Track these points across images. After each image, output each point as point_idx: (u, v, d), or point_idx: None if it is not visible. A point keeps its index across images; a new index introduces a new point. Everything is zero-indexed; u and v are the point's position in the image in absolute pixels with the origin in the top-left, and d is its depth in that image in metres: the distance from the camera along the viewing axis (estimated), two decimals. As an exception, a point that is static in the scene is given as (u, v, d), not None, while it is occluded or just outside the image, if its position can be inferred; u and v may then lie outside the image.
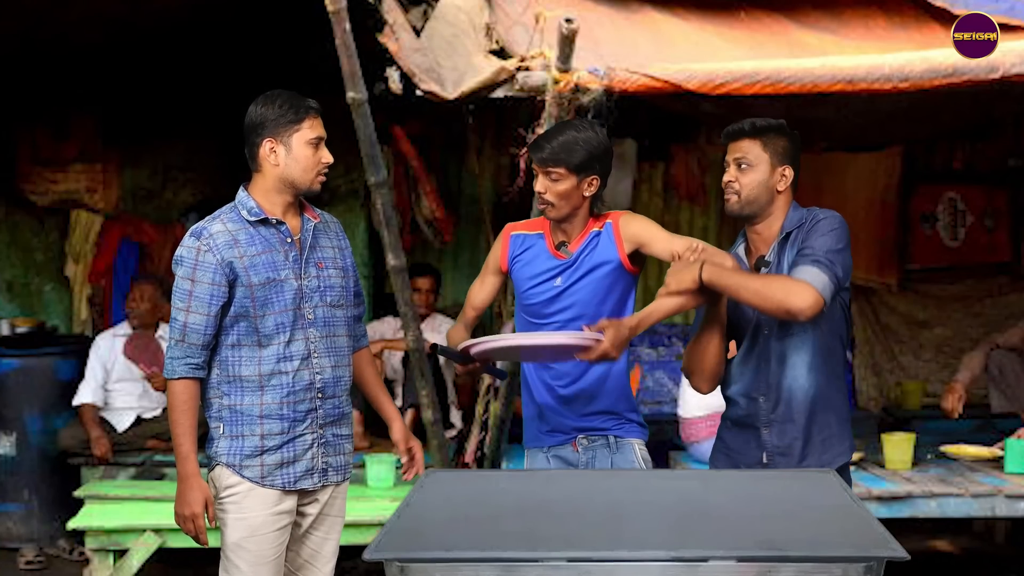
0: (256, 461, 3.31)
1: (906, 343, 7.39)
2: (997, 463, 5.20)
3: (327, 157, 3.34)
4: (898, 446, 5.20)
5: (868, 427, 6.20)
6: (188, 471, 3.32)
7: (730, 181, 3.30)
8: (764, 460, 3.30)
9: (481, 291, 3.69)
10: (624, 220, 3.55)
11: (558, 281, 3.53)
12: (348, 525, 4.92)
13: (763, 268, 3.31)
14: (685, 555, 2.12)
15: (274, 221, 3.32)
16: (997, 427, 5.70)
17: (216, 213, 3.38)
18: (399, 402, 6.08)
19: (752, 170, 3.30)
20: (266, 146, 3.29)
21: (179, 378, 3.28)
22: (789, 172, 3.34)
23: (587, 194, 3.50)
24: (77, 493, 5.40)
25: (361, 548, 2.19)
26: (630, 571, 2.15)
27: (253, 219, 3.30)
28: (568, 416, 3.57)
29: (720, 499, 2.58)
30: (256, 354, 3.30)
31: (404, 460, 3.65)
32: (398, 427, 3.63)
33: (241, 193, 3.35)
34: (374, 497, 5.18)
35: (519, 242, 3.63)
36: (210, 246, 3.29)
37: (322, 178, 3.35)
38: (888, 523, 2.35)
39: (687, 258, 3.26)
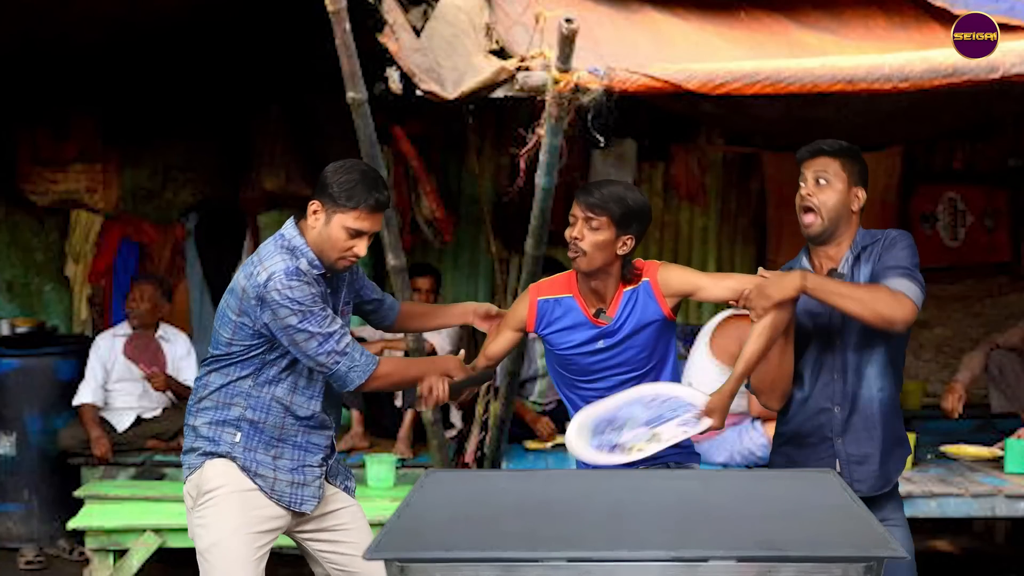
0: (271, 473, 3.35)
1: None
2: (997, 463, 5.20)
3: (360, 250, 3.30)
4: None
5: (868, 427, 6.19)
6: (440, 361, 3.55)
7: (808, 195, 3.32)
8: (838, 470, 3.34)
9: (496, 345, 3.65)
10: (662, 275, 3.52)
11: (600, 343, 3.52)
12: (348, 525, 4.94)
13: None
14: (685, 555, 2.12)
15: (329, 275, 3.35)
16: (997, 427, 5.70)
17: (280, 250, 3.28)
18: (399, 402, 6.08)
19: (830, 187, 3.34)
20: (312, 206, 3.31)
21: (374, 369, 3.30)
22: (862, 194, 3.37)
23: (620, 252, 3.47)
24: (77, 493, 5.40)
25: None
26: (630, 571, 2.15)
27: (316, 272, 3.29)
28: None
29: (720, 499, 2.58)
30: (294, 380, 3.36)
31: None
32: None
33: (299, 240, 3.31)
34: (374, 497, 5.18)
35: (549, 308, 3.58)
36: (308, 281, 3.27)
37: (347, 262, 3.33)
38: (888, 523, 2.35)
39: (765, 276, 3.28)
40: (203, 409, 3.37)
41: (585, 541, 2.25)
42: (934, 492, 4.87)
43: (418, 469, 5.55)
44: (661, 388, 3.42)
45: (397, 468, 5.44)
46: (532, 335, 3.72)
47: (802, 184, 3.35)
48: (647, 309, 3.50)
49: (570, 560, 2.12)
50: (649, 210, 3.55)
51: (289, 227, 3.34)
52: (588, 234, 3.44)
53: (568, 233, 3.48)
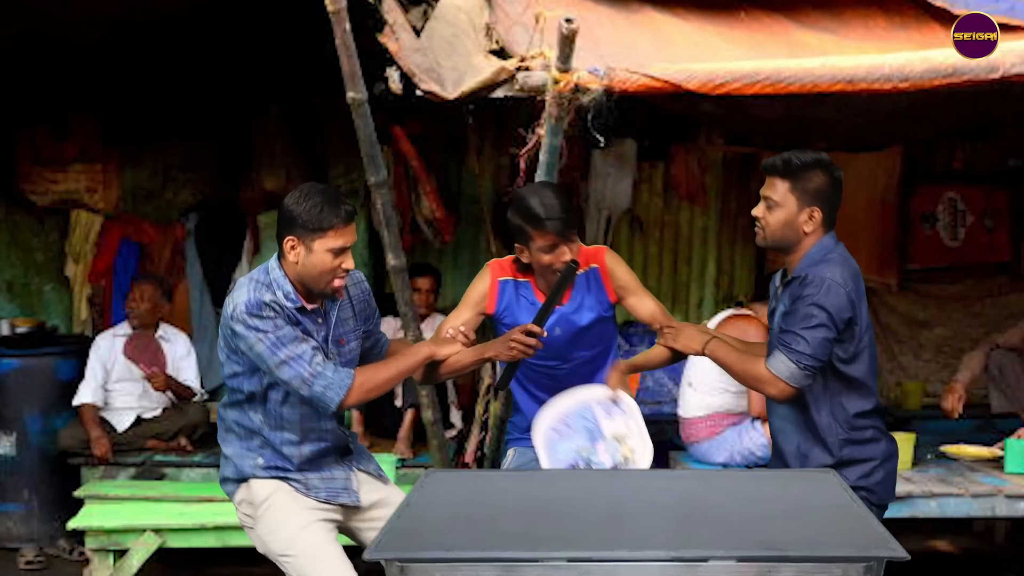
0: (298, 475, 3.44)
1: (906, 343, 7.39)
2: (997, 463, 5.20)
3: (348, 264, 3.33)
4: (898, 446, 5.19)
5: (868, 427, 6.19)
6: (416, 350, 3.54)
7: (757, 217, 3.44)
8: None
9: (458, 323, 3.65)
10: (609, 261, 3.68)
11: (557, 331, 3.61)
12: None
13: (773, 301, 3.50)
14: (685, 555, 2.12)
15: (309, 309, 3.36)
16: (997, 427, 5.70)
17: (252, 283, 3.33)
18: (399, 402, 6.08)
19: (778, 210, 3.39)
20: (288, 243, 3.31)
21: (350, 382, 3.33)
22: (817, 215, 3.39)
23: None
24: (77, 493, 5.40)
25: (361, 548, 2.20)
26: (630, 571, 2.15)
27: (291, 305, 3.32)
28: None
29: (720, 499, 2.58)
30: (298, 411, 3.41)
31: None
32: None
33: (277, 272, 3.34)
34: (374, 497, 5.17)
35: (509, 290, 3.67)
36: (274, 312, 3.30)
37: (339, 282, 3.34)
38: (888, 523, 2.35)
39: (676, 328, 3.58)
40: (228, 441, 3.50)
41: (585, 541, 2.25)
42: (934, 492, 4.87)
43: (418, 469, 5.55)
44: (561, 406, 3.56)
45: (397, 468, 5.44)
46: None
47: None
48: (599, 294, 3.63)
49: (570, 560, 2.12)
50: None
51: (272, 261, 3.39)
52: (574, 247, 3.55)
53: (558, 258, 3.54)
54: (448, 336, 3.54)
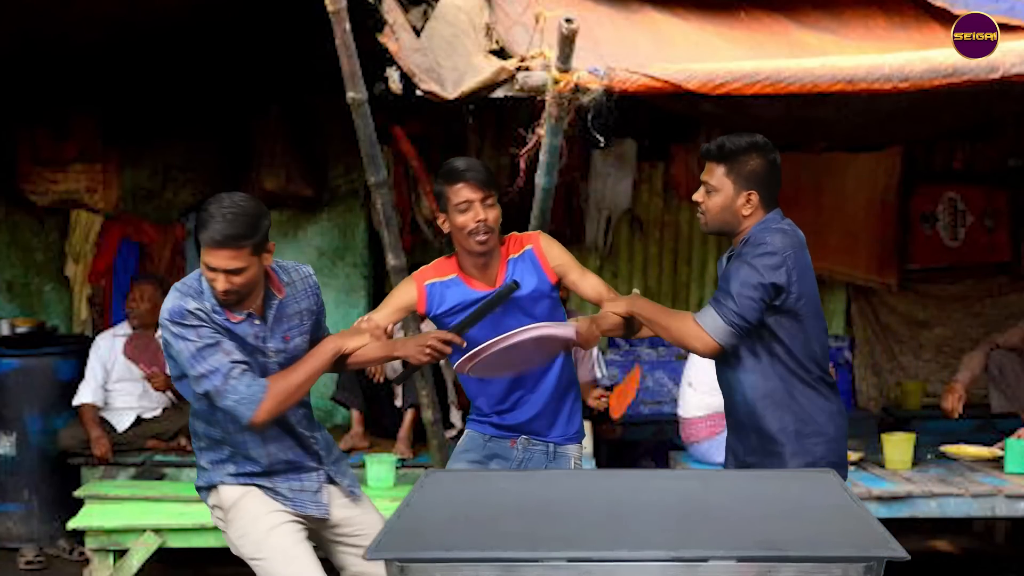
0: (267, 480, 3.43)
1: (906, 343, 7.39)
2: (997, 463, 5.20)
3: (217, 285, 3.23)
4: (898, 446, 5.20)
5: (868, 427, 6.21)
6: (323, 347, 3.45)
7: (698, 202, 3.45)
8: None
9: (378, 315, 3.62)
10: (544, 243, 3.63)
11: (496, 310, 3.54)
12: (348, 525, 4.93)
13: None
14: (685, 555, 2.12)
15: (238, 320, 3.31)
16: (997, 427, 5.70)
17: (183, 287, 3.30)
18: (399, 402, 6.08)
19: (716, 194, 3.40)
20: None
21: (263, 394, 3.28)
22: (755, 198, 3.38)
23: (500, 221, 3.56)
24: (77, 493, 5.40)
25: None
26: (630, 571, 2.15)
27: (219, 317, 3.28)
28: (520, 414, 3.66)
29: (720, 499, 2.58)
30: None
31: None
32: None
33: (205, 284, 3.30)
34: (374, 497, 5.16)
35: (437, 291, 3.61)
36: (199, 320, 3.27)
37: (223, 297, 3.26)
38: (888, 523, 2.35)
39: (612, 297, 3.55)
40: (201, 449, 3.49)
41: (585, 541, 2.25)
42: (934, 492, 4.87)
43: (418, 469, 5.55)
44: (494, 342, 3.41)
45: (397, 468, 5.44)
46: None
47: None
48: (537, 275, 3.58)
49: (570, 560, 2.12)
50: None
51: (204, 279, 3.34)
52: (491, 212, 3.50)
53: (472, 219, 3.49)
54: (362, 327, 3.50)
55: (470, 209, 3.49)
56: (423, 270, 3.71)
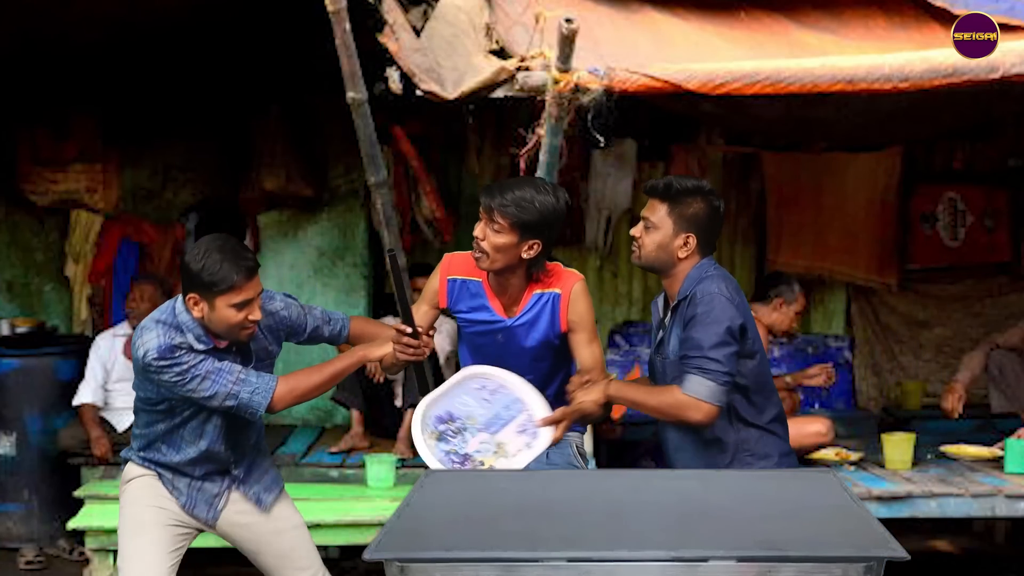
0: (169, 473, 3.53)
1: (906, 343, 7.38)
2: (997, 463, 5.20)
3: (255, 315, 3.31)
4: (898, 446, 5.20)
5: (868, 427, 6.20)
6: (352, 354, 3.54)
7: (635, 237, 3.45)
8: None
9: (417, 318, 3.56)
10: (575, 293, 3.50)
11: (499, 337, 3.54)
12: (348, 525, 4.95)
13: (660, 331, 3.48)
14: (685, 555, 2.12)
15: (222, 348, 3.38)
16: (997, 427, 5.70)
17: (160, 325, 3.33)
18: (399, 402, 6.08)
19: (655, 232, 3.40)
20: (190, 300, 3.31)
21: (275, 386, 3.37)
22: (692, 241, 3.39)
23: (525, 256, 3.42)
24: (77, 493, 5.40)
25: (361, 548, 2.19)
26: (630, 571, 2.15)
27: (202, 347, 3.33)
28: None
29: (720, 499, 2.58)
30: (199, 436, 3.49)
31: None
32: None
33: (185, 316, 3.34)
34: (374, 497, 5.18)
35: (456, 288, 3.57)
36: (184, 353, 3.33)
37: (249, 331, 3.33)
38: (888, 523, 2.35)
39: (589, 378, 3.43)
40: (135, 436, 3.59)
41: (585, 541, 2.25)
42: (934, 492, 4.87)
43: (418, 469, 5.54)
44: (489, 373, 3.44)
45: (397, 468, 5.44)
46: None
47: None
48: (551, 320, 3.49)
49: (570, 560, 2.12)
50: (562, 214, 3.46)
51: (179, 304, 3.37)
52: (490, 235, 3.39)
53: (474, 230, 3.45)
54: (387, 336, 3.53)
55: (479, 223, 3.45)
56: (453, 259, 3.62)
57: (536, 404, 3.41)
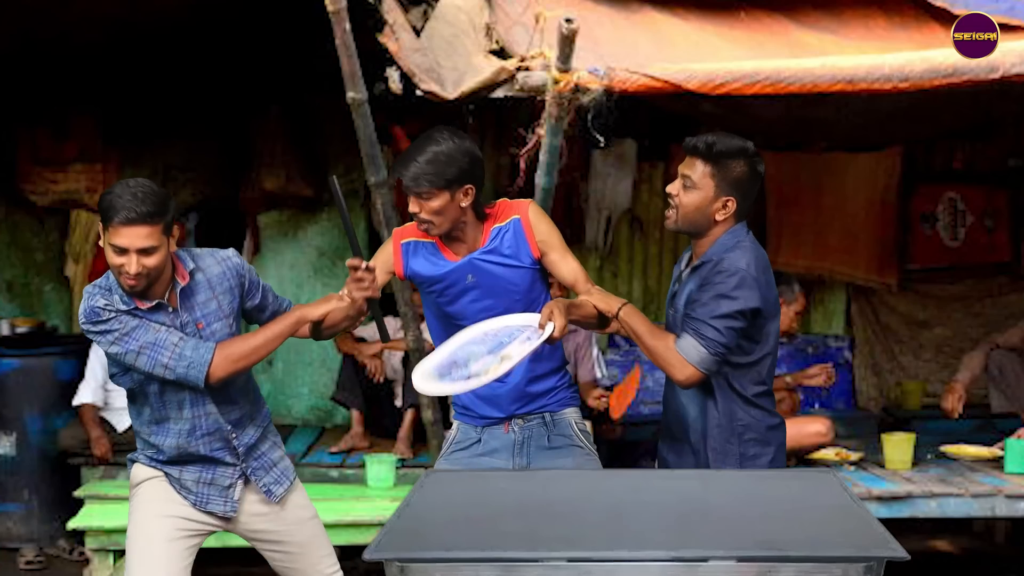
0: (174, 469, 3.46)
1: (906, 343, 7.38)
2: (997, 463, 5.20)
3: (129, 267, 3.19)
4: (898, 446, 5.20)
5: (868, 427, 6.20)
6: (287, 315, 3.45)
7: (672, 195, 3.32)
8: None
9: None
10: (533, 214, 3.43)
11: (470, 278, 3.41)
12: (348, 525, 4.95)
13: (676, 285, 3.41)
14: (685, 555, 2.12)
15: (146, 308, 3.30)
16: (997, 427, 5.70)
17: (96, 287, 3.30)
18: (399, 402, 6.08)
19: (694, 192, 3.27)
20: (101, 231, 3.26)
21: (210, 356, 3.30)
22: (732, 204, 3.28)
23: (465, 204, 3.37)
24: (77, 493, 5.40)
25: (361, 548, 2.19)
26: (630, 571, 2.15)
27: (125, 308, 3.28)
28: (502, 399, 3.49)
29: (720, 499, 2.58)
30: (176, 400, 3.40)
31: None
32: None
33: (113, 280, 3.29)
34: (374, 497, 5.18)
35: (411, 249, 3.48)
36: (111, 314, 3.28)
37: (132, 282, 3.23)
38: (888, 523, 2.35)
39: (596, 292, 3.36)
40: (136, 435, 3.54)
41: (585, 541, 2.25)
42: (934, 492, 4.87)
43: (418, 469, 5.55)
44: (490, 324, 3.33)
45: (397, 468, 5.44)
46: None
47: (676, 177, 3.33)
48: (519, 247, 3.41)
49: (570, 560, 2.12)
50: (474, 151, 3.40)
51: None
52: (424, 205, 3.33)
53: (409, 208, 3.37)
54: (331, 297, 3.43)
55: (409, 200, 3.37)
56: (406, 228, 3.54)
57: (536, 318, 3.28)
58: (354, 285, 3.31)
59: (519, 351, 3.20)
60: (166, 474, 3.46)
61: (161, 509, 3.43)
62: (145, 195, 3.18)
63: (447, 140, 3.35)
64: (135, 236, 3.16)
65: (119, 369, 3.38)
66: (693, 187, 3.27)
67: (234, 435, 3.46)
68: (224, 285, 3.42)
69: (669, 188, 3.33)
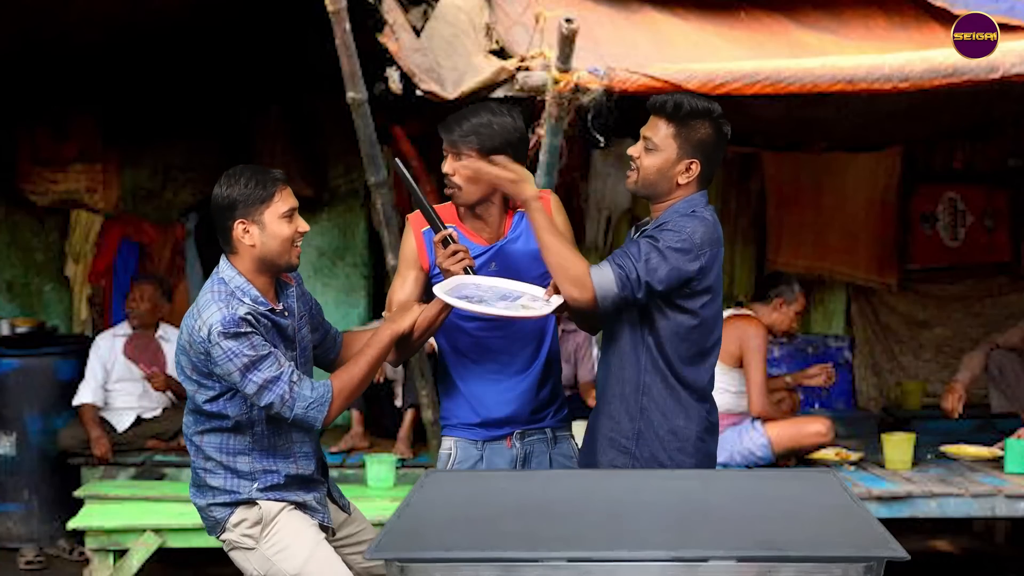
0: (295, 496, 3.32)
1: (906, 343, 7.39)
2: (997, 463, 5.20)
3: (303, 226, 3.21)
4: (898, 446, 5.20)
5: (868, 427, 6.20)
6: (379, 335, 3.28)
7: (633, 157, 3.15)
8: None
9: (403, 290, 3.36)
10: (554, 204, 3.35)
11: (493, 266, 3.32)
12: (348, 525, 4.94)
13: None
14: (685, 555, 2.12)
15: (278, 310, 3.22)
16: (997, 427, 5.70)
17: (218, 297, 3.14)
18: (399, 402, 6.08)
19: (656, 154, 3.11)
20: (239, 228, 3.18)
21: (330, 394, 3.19)
22: (696, 167, 3.10)
23: None
24: (77, 493, 5.40)
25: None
26: (630, 571, 2.15)
27: (263, 309, 3.16)
28: (505, 407, 3.37)
29: (720, 499, 2.57)
30: (286, 430, 3.28)
31: None
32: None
33: (238, 279, 3.17)
34: (374, 497, 5.18)
35: (432, 235, 3.33)
36: (250, 327, 3.13)
37: (298, 249, 3.21)
38: (888, 523, 2.35)
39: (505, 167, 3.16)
40: (212, 472, 3.30)
41: (585, 541, 2.25)
42: (934, 492, 4.87)
43: (418, 469, 5.55)
44: (502, 282, 3.23)
45: (397, 468, 5.45)
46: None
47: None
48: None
49: (570, 560, 2.12)
50: (524, 134, 3.32)
51: (224, 267, 3.22)
52: (459, 168, 3.25)
53: (443, 167, 3.29)
54: (395, 311, 3.32)
55: (445, 159, 3.32)
56: (418, 214, 3.39)
57: (530, 287, 3.22)
58: (450, 260, 3.19)
59: (526, 312, 3.13)
60: (292, 503, 3.31)
61: (314, 536, 3.31)
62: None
63: (503, 114, 3.30)
64: (292, 194, 3.26)
65: (222, 391, 3.19)
66: (655, 149, 3.11)
67: (318, 448, 3.43)
68: (300, 290, 3.38)
69: (629, 150, 3.18)
